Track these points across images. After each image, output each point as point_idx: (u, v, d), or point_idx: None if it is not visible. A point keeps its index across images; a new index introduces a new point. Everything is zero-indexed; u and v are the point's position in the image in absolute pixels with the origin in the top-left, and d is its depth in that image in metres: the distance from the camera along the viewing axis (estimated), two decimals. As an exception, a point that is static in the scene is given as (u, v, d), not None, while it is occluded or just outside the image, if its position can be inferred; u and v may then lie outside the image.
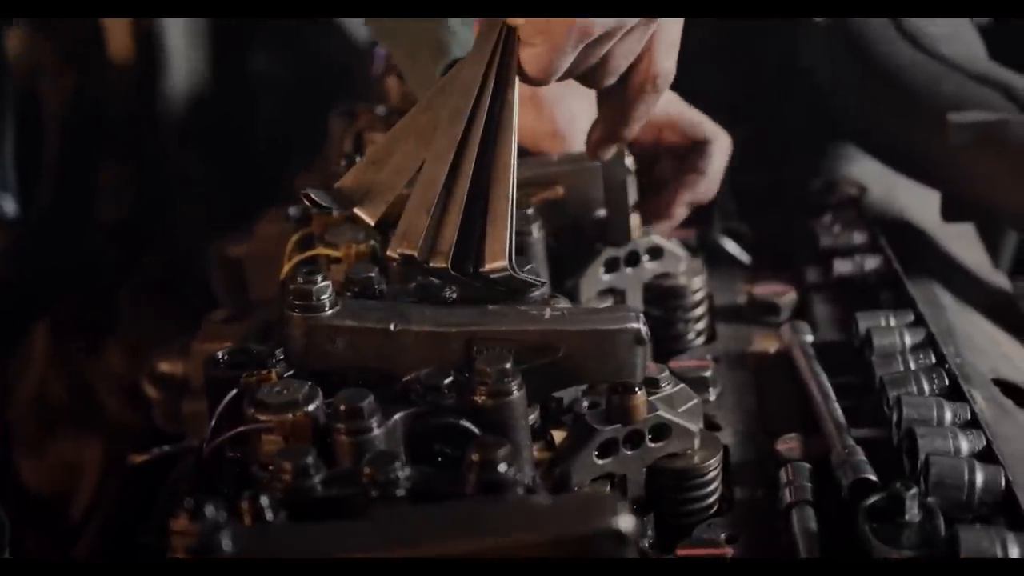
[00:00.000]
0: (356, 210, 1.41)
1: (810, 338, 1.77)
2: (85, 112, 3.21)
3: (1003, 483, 1.38)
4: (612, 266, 1.75)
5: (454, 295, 1.45)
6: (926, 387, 1.57)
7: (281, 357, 1.39)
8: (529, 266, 1.48)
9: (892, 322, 1.72)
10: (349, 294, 1.45)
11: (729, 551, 1.41)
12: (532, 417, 1.43)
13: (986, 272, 2.10)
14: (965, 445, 1.44)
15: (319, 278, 1.37)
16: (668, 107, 1.81)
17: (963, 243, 2.16)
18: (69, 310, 3.10)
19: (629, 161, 1.69)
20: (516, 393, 1.31)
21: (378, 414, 1.27)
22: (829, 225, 2.05)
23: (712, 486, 1.47)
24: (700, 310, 1.83)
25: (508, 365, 1.31)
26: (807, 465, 1.48)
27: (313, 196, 1.41)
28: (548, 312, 1.40)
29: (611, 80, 1.50)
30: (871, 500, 1.36)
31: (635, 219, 1.74)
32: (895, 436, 1.51)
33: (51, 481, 2.91)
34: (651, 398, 1.44)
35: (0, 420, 2.91)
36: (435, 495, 1.20)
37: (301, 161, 2.51)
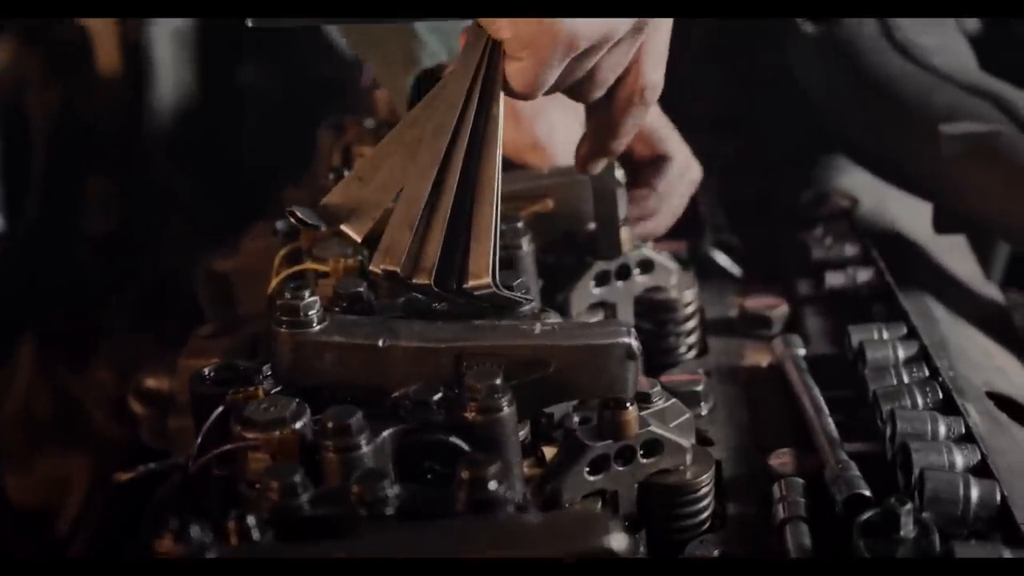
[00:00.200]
0: (343, 227, 1.40)
1: (802, 351, 1.76)
2: (71, 126, 3.20)
3: (998, 498, 1.36)
4: (603, 279, 1.74)
5: (443, 309, 1.43)
6: (920, 401, 1.55)
7: (268, 373, 1.37)
8: (519, 280, 1.46)
9: (885, 335, 1.70)
10: (337, 309, 1.44)
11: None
12: (522, 433, 1.42)
13: (978, 284, 2.09)
14: (960, 460, 1.42)
15: (307, 293, 1.36)
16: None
17: (955, 255, 2.15)
18: (56, 324, 3.09)
19: (619, 174, 1.68)
20: (506, 409, 1.29)
21: (367, 431, 1.25)
22: (821, 237, 2.04)
23: (705, 502, 1.46)
24: (691, 323, 1.82)
25: (498, 381, 1.30)
26: (800, 480, 1.46)
27: (299, 214, 1.40)
28: (538, 327, 1.38)
29: (598, 94, 1.48)
30: (866, 516, 1.34)
31: (626, 232, 1.72)
32: (889, 450, 1.50)
33: (37, 496, 2.89)
34: (643, 413, 1.42)
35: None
36: (425, 514, 1.19)
37: (289, 174, 2.49)
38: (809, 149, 2.41)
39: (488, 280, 1.37)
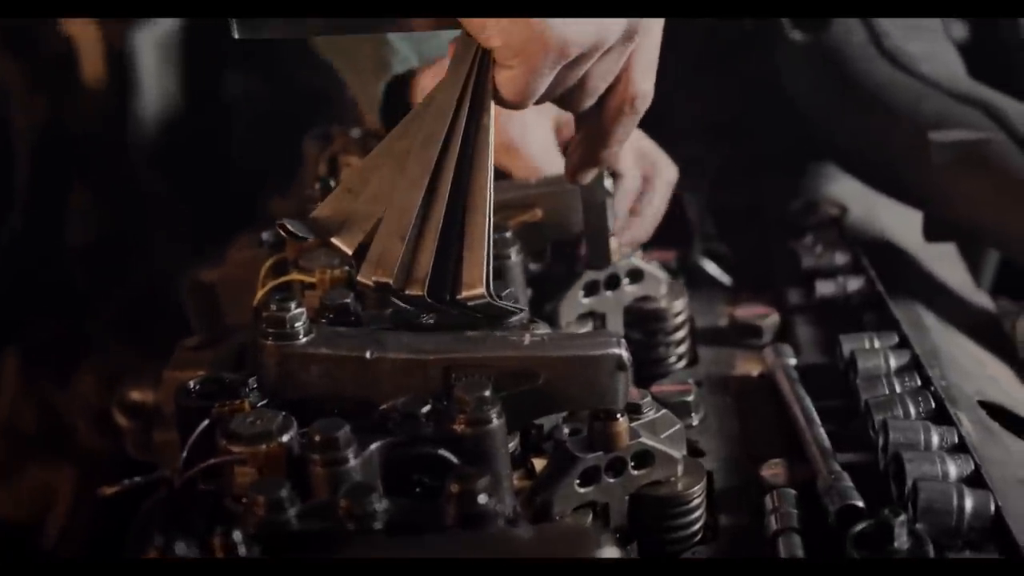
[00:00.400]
0: (333, 239, 1.39)
1: (793, 361, 1.75)
2: (56, 135, 3.18)
3: (992, 509, 1.36)
4: (592, 290, 1.72)
5: (431, 321, 1.42)
6: (912, 410, 1.54)
7: (254, 386, 1.36)
8: (508, 290, 1.45)
9: (876, 344, 1.69)
10: (324, 321, 1.42)
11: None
12: (512, 445, 1.41)
13: (969, 292, 2.08)
14: (953, 470, 1.41)
15: (293, 305, 1.34)
16: None
17: (945, 263, 2.13)
18: (40, 336, 3.07)
19: (608, 183, 1.67)
20: (496, 421, 1.28)
21: (354, 444, 1.24)
22: (811, 246, 2.03)
23: (696, 514, 1.45)
24: (681, 333, 1.80)
25: (487, 393, 1.28)
26: (793, 491, 1.45)
27: (289, 227, 1.39)
28: (528, 338, 1.37)
29: (589, 103, 1.47)
30: (859, 527, 1.33)
31: (615, 242, 1.71)
32: (881, 461, 1.49)
33: (22, 509, 2.88)
34: (633, 424, 1.41)
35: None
36: (414, 528, 1.18)
37: (275, 185, 2.48)
38: (797, 157, 2.40)
39: (483, 290, 1.36)
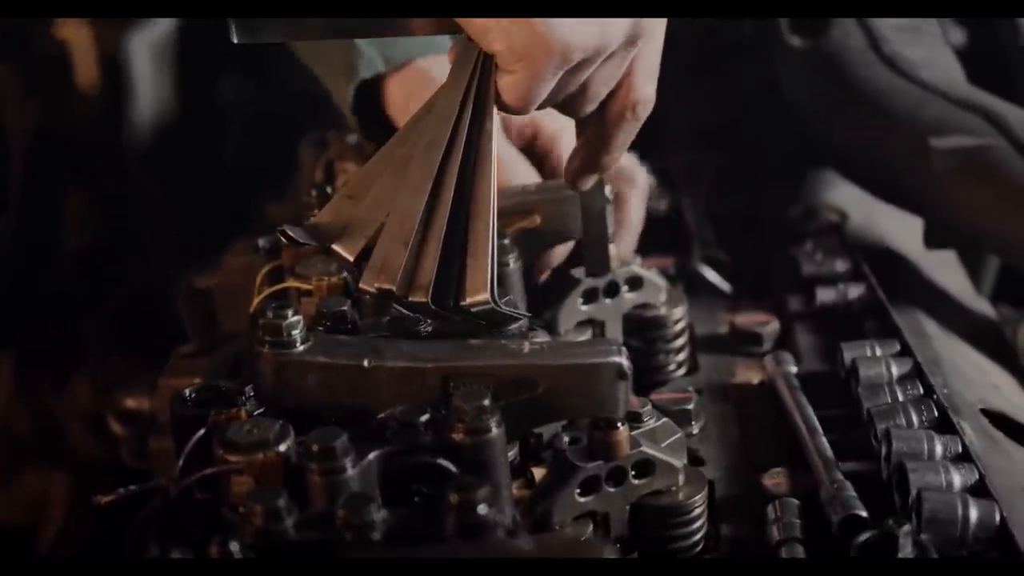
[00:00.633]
0: (334, 246, 1.38)
1: (794, 369, 1.73)
2: (50, 140, 3.17)
3: (997, 519, 1.34)
4: (591, 297, 1.71)
5: (429, 329, 1.41)
6: (915, 419, 1.53)
7: (251, 394, 1.34)
8: (507, 297, 1.44)
9: (878, 352, 1.68)
10: (321, 328, 1.41)
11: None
12: (511, 453, 1.40)
13: (969, 299, 2.07)
14: (957, 479, 1.40)
15: (290, 313, 1.33)
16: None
17: (945, 270, 2.12)
18: (34, 341, 3.06)
19: (607, 190, 1.65)
20: (495, 430, 1.27)
21: (352, 453, 1.22)
22: (811, 253, 2.01)
23: (698, 523, 1.43)
24: (681, 341, 1.79)
25: (486, 402, 1.27)
26: (795, 501, 1.43)
27: (290, 233, 1.37)
28: (527, 346, 1.36)
29: (590, 108, 1.46)
30: (863, 537, 1.32)
31: (614, 249, 1.70)
32: (884, 470, 1.47)
33: (16, 514, 2.87)
34: (634, 433, 1.40)
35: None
36: (413, 538, 1.16)
37: (271, 190, 2.47)
38: (795, 163, 2.38)
39: (487, 296, 1.35)
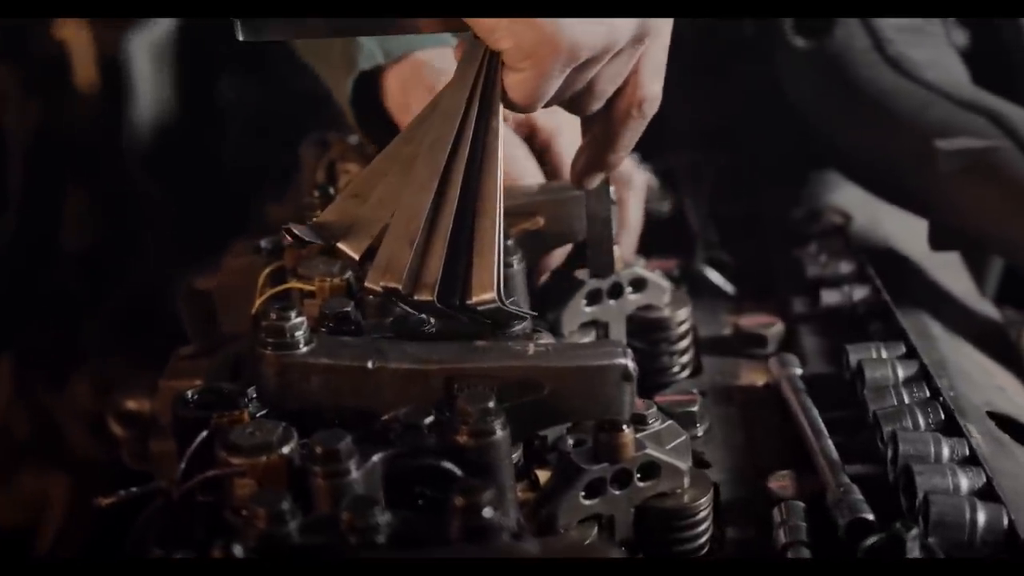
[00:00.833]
0: (340, 245, 1.37)
1: (799, 371, 1.72)
2: (50, 140, 3.17)
3: (1005, 522, 1.33)
4: (594, 298, 1.70)
5: (432, 330, 1.40)
6: (921, 422, 1.52)
7: (253, 396, 1.33)
8: (511, 299, 1.43)
9: (883, 354, 1.67)
10: (324, 330, 1.40)
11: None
12: (515, 456, 1.39)
13: (974, 301, 2.06)
14: (965, 482, 1.39)
15: (293, 314, 1.32)
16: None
17: (950, 271, 2.11)
18: (34, 342, 3.05)
19: (612, 190, 1.64)
20: (500, 433, 1.25)
21: (356, 456, 1.21)
22: (815, 254, 2.00)
23: (703, 526, 1.42)
24: (685, 342, 1.78)
25: (491, 404, 1.25)
26: (801, 504, 1.42)
27: (296, 232, 1.36)
28: (532, 348, 1.35)
29: (597, 106, 1.45)
30: (870, 541, 1.31)
31: (618, 250, 1.69)
32: (891, 473, 1.46)
33: (16, 515, 2.86)
34: (639, 435, 1.39)
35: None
36: (418, 541, 1.15)
37: (271, 191, 2.46)
38: (798, 164, 2.38)
39: (494, 295, 1.34)
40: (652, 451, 1.38)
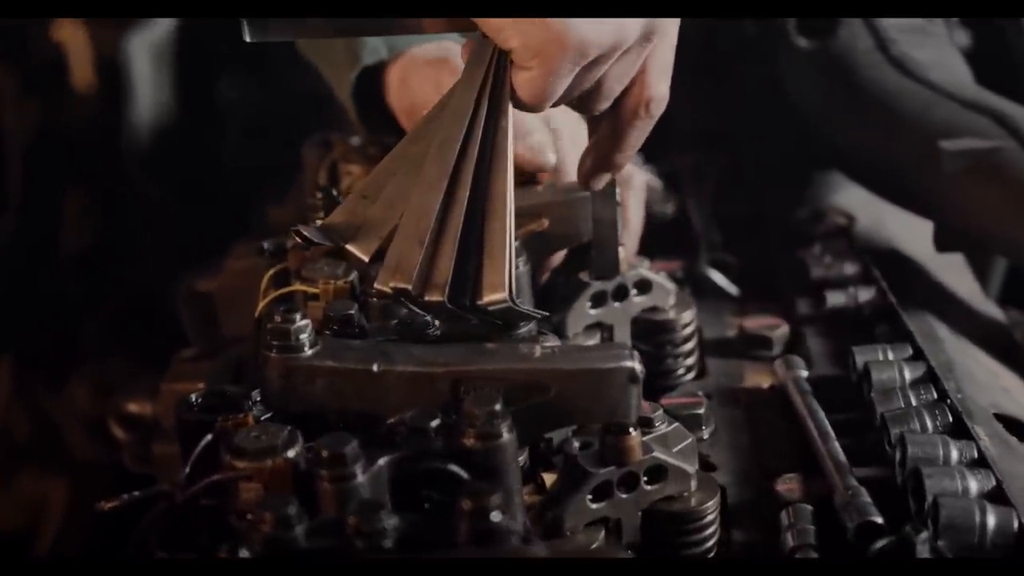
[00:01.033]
0: (349, 246, 1.36)
1: (804, 373, 1.71)
2: (48, 141, 3.15)
3: (1016, 525, 1.32)
4: (599, 301, 1.69)
5: (438, 332, 1.39)
6: (929, 424, 1.51)
7: (258, 399, 1.33)
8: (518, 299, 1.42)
9: (890, 356, 1.66)
10: (328, 332, 1.39)
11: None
12: (521, 458, 1.38)
13: (978, 302, 2.05)
14: (974, 485, 1.38)
15: (298, 316, 1.31)
16: None
17: (954, 273, 2.10)
18: (33, 344, 3.04)
19: (617, 192, 1.63)
20: (506, 436, 1.24)
21: (362, 459, 1.20)
22: (819, 256, 2.00)
23: (710, 529, 1.41)
24: (690, 345, 1.77)
25: (497, 406, 1.25)
26: (809, 507, 1.41)
27: (305, 233, 1.36)
28: (538, 350, 1.34)
29: (605, 105, 1.44)
30: (879, 544, 1.30)
31: (622, 252, 1.68)
32: (899, 476, 1.45)
33: (15, 518, 2.85)
34: (645, 438, 1.38)
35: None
36: (425, 545, 1.14)
37: (271, 192, 2.45)
38: (801, 165, 2.37)
39: (505, 295, 1.33)
40: (659, 454, 1.37)
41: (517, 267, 1.56)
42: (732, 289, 2.02)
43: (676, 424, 1.46)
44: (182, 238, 3.15)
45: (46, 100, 3.16)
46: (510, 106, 1.36)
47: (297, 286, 1.59)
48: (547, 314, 1.41)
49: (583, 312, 1.68)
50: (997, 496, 1.37)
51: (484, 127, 1.35)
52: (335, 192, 1.80)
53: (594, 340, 1.69)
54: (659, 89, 1.45)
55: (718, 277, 2.02)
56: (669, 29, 1.42)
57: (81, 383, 2.88)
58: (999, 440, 1.53)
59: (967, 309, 2.01)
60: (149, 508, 1.64)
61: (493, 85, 1.35)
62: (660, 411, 1.45)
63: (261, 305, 1.60)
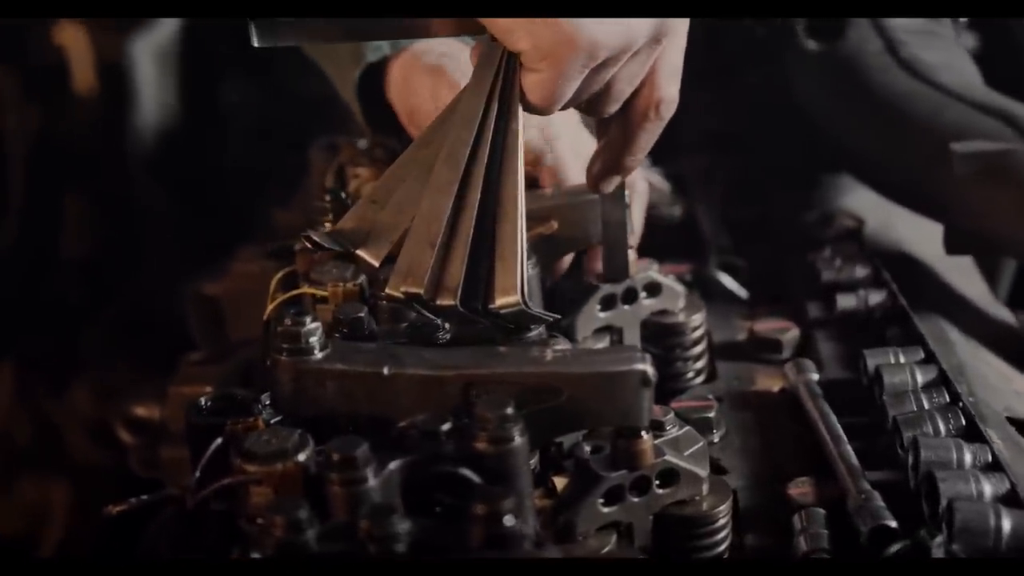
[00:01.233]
0: (359, 251, 1.35)
1: (815, 376, 1.70)
2: (50, 146, 3.15)
3: (1031, 529, 1.31)
4: (609, 303, 1.68)
5: (448, 336, 1.38)
6: (942, 427, 1.50)
7: (267, 403, 1.32)
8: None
9: (902, 359, 1.65)
10: (337, 335, 1.38)
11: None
12: (532, 462, 1.36)
13: (988, 305, 2.04)
14: (988, 489, 1.37)
15: (308, 319, 1.30)
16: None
17: (963, 275, 2.10)
18: (35, 349, 3.03)
19: (626, 195, 1.63)
20: (518, 439, 1.23)
21: (373, 463, 1.19)
22: (830, 259, 1.99)
23: (722, 533, 1.40)
24: (700, 348, 1.76)
25: (510, 410, 1.23)
26: (822, 511, 1.41)
27: (316, 238, 1.35)
28: (550, 353, 1.33)
29: (614, 107, 1.44)
30: (894, 548, 1.29)
31: (632, 255, 1.67)
32: (912, 480, 1.44)
33: (17, 522, 2.84)
34: (657, 442, 1.37)
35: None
36: (437, 549, 1.13)
37: (276, 195, 2.44)
38: (809, 168, 2.36)
39: (518, 298, 1.33)
40: (671, 458, 1.36)
41: (527, 270, 1.55)
42: (741, 292, 2.01)
43: (687, 427, 1.45)
44: (185, 242, 3.14)
45: (48, 104, 3.15)
46: (520, 109, 1.35)
47: (306, 289, 1.58)
48: (559, 317, 1.40)
49: (593, 315, 1.67)
50: (1012, 499, 1.36)
51: (494, 130, 1.34)
52: (343, 194, 1.79)
53: (604, 343, 1.68)
54: (669, 91, 1.45)
55: (727, 280, 2.02)
56: (678, 31, 1.42)
57: (82, 388, 2.87)
58: (1012, 443, 1.52)
59: (978, 312, 2.00)
60: (154, 513, 1.64)
61: (503, 88, 1.35)
62: (671, 414, 1.45)
63: (270, 308, 1.59)
